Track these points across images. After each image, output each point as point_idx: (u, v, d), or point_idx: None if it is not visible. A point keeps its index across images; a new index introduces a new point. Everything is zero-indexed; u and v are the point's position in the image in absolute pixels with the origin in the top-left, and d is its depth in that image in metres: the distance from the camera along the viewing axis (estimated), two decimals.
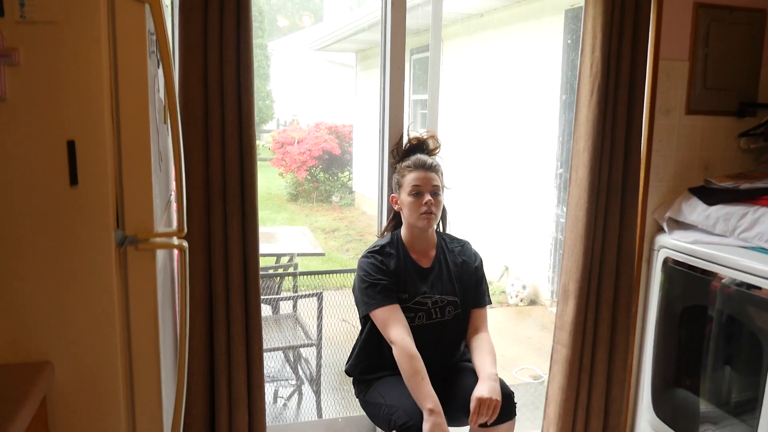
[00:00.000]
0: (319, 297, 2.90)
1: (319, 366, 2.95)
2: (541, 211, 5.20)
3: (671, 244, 2.28)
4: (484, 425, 1.79)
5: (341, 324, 3.44)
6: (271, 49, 14.92)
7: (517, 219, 5.63)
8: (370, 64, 9.16)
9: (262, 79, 14.35)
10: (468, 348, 2.01)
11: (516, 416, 1.87)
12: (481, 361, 1.89)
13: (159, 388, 1.21)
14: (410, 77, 7.48)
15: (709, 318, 2.15)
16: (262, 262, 4.04)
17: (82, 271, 1.12)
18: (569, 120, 4.56)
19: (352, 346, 2.06)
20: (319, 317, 2.90)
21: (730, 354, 2.15)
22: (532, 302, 5.28)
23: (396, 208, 2.03)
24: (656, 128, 2.33)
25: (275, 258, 4.03)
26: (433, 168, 1.96)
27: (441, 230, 2.13)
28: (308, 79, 13.87)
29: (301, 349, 3.19)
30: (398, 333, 1.82)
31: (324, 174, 10.01)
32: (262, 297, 2.49)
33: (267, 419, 2.10)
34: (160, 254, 1.26)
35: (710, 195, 2.25)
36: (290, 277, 3.62)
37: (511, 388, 1.87)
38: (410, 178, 1.95)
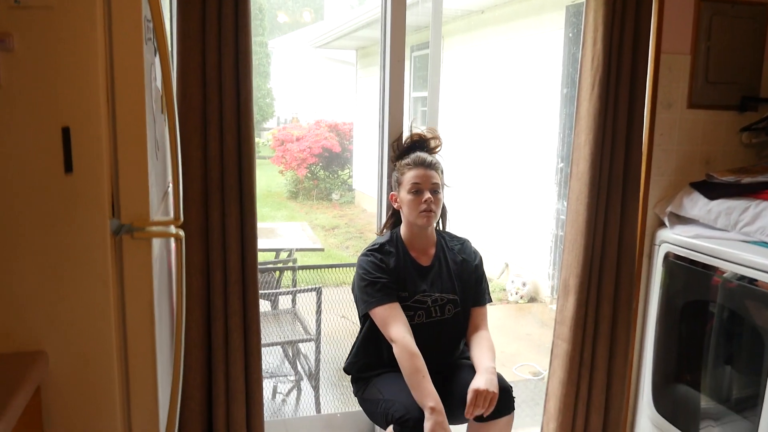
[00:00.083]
0: (318, 292, 2.90)
1: (317, 361, 2.94)
2: (542, 208, 5.19)
3: (672, 239, 2.26)
4: (481, 419, 1.78)
5: (340, 321, 3.43)
6: (271, 47, 14.90)
7: (517, 216, 5.62)
8: (371, 61, 9.14)
9: (263, 77, 14.33)
10: (467, 345, 2.00)
11: (514, 411, 1.85)
12: (479, 355, 1.88)
13: (155, 378, 1.19)
14: (410, 74, 7.47)
15: (711, 313, 2.14)
16: (262, 257, 4.05)
17: (77, 259, 1.11)
18: (570, 114, 4.54)
19: (352, 344, 2.04)
20: (318, 312, 2.89)
21: (732, 349, 2.14)
22: (532, 299, 5.27)
23: (395, 206, 2.02)
24: (658, 122, 2.31)
25: (275, 253, 4.02)
26: (432, 166, 1.95)
27: (441, 228, 2.12)
28: (309, 77, 13.85)
29: (300, 345, 3.19)
30: (398, 331, 1.81)
31: (324, 172, 9.99)
32: (260, 291, 2.47)
33: (265, 414, 2.09)
34: (156, 244, 1.25)
35: (712, 189, 2.23)
36: (289, 274, 3.61)
37: (511, 384, 1.86)
38: (410, 176, 1.94)
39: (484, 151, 6.28)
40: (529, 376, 3.65)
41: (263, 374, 2.07)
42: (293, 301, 3.33)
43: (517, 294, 5.23)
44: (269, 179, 10.62)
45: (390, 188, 2.10)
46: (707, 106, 2.37)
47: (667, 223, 2.31)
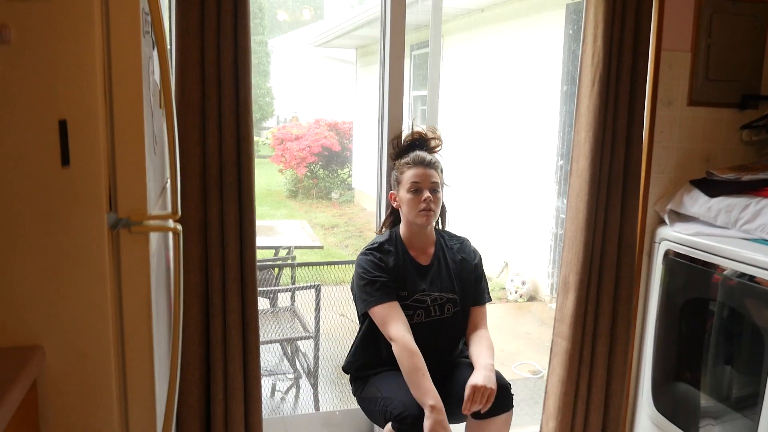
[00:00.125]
0: (317, 289, 2.89)
1: (316, 358, 2.94)
2: (541, 206, 5.18)
3: (672, 237, 2.26)
4: (479, 416, 1.78)
5: (339, 319, 3.42)
6: (271, 47, 14.89)
7: (516, 215, 5.62)
8: (371, 60, 9.13)
9: (263, 76, 14.32)
10: (467, 345, 1.99)
11: (513, 408, 1.85)
12: (478, 353, 1.88)
13: (152, 374, 1.18)
14: (410, 73, 7.46)
15: (711, 311, 2.13)
16: (261, 255, 4.04)
17: (74, 253, 1.10)
18: (570, 111, 4.54)
19: (351, 343, 2.04)
20: (317, 309, 2.89)
21: (732, 347, 2.13)
22: (532, 298, 5.26)
23: (395, 205, 2.01)
24: (658, 119, 2.31)
25: (274, 251, 4.01)
26: (432, 165, 1.95)
27: (440, 228, 2.12)
28: (308, 76, 13.84)
29: (299, 343, 3.18)
30: (398, 330, 1.80)
31: (323, 170, 9.99)
32: (259, 289, 2.47)
33: (264, 412, 2.09)
34: (154, 238, 1.24)
35: (712, 187, 2.23)
36: (288, 272, 3.60)
37: (510, 383, 1.86)
38: (409, 175, 1.93)
39: (484, 150, 6.28)
40: (529, 374, 3.65)
41: (262, 372, 2.06)
42: (292, 298, 3.32)
43: (516, 293, 5.23)
44: (269, 178, 10.61)
45: (389, 187, 2.09)
46: (708, 103, 2.36)
47: (667, 221, 2.30)
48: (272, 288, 3.28)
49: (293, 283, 3.49)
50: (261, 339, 2.03)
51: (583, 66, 2.17)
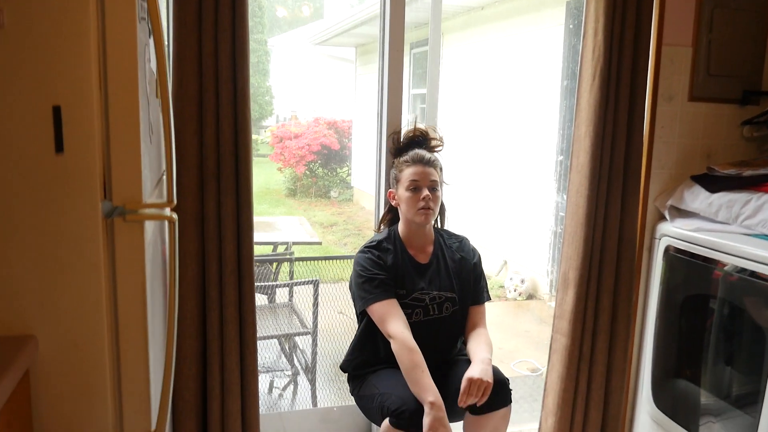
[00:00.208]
0: (315, 284, 2.88)
1: (314, 354, 2.92)
2: (540, 205, 5.17)
3: (673, 232, 2.24)
4: (477, 411, 1.76)
5: (338, 316, 3.41)
6: (271, 45, 14.87)
7: (516, 213, 5.61)
8: (370, 58, 9.12)
9: (262, 74, 14.30)
10: (465, 343, 1.98)
11: (511, 403, 1.83)
12: (475, 348, 1.87)
13: (146, 365, 1.17)
14: (410, 71, 7.45)
15: (711, 307, 2.12)
16: (259, 251, 4.03)
17: (68, 242, 1.08)
18: (570, 106, 4.53)
19: (350, 342, 2.03)
20: (315, 304, 2.88)
21: (733, 344, 2.12)
22: (531, 296, 5.25)
23: (393, 203, 2.00)
24: (658, 114, 2.29)
25: (272, 247, 4.00)
26: (431, 163, 1.93)
27: (439, 226, 2.10)
28: (308, 75, 13.82)
29: (297, 340, 3.17)
30: (397, 327, 1.79)
31: (323, 169, 9.97)
32: (257, 284, 2.45)
33: (262, 408, 2.07)
34: (150, 228, 1.22)
35: (713, 182, 2.21)
36: (286, 270, 3.59)
37: (510, 382, 1.85)
38: (408, 173, 1.92)
39: (483, 149, 6.27)
40: (528, 372, 3.63)
41: (260, 369, 2.04)
42: (290, 294, 3.31)
43: (515, 291, 5.22)
44: (268, 176, 10.60)
45: (388, 185, 2.07)
46: (708, 99, 2.35)
47: (667, 217, 2.29)
48: (270, 283, 3.26)
49: (291, 277, 3.48)
50: (259, 335, 2.02)
51: (584, 60, 2.16)
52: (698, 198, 2.21)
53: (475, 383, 1.71)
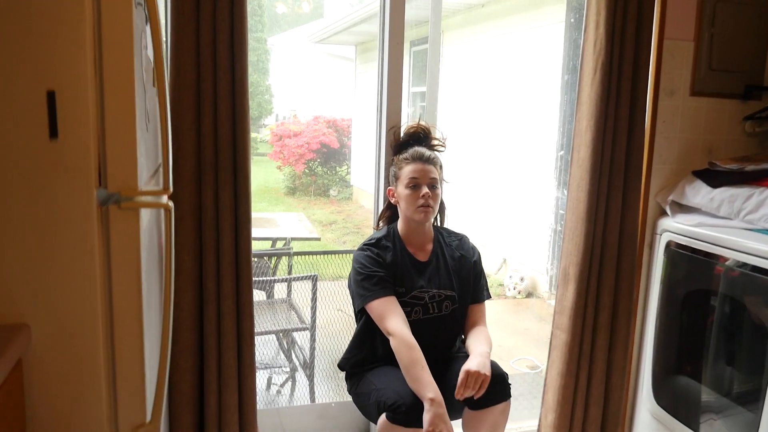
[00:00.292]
0: (314, 279, 2.86)
1: (312, 350, 2.91)
2: (540, 203, 5.16)
3: (674, 228, 2.23)
4: (476, 406, 1.75)
5: (336, 313, 3.40)
6: (270, 44, 14.85)
7: (515, 211, 5.59)
8: (370, 57, 9.11)
9: (262, 73, 14.28)
10: (464, 341, 1.97)
11: (510, 398, 1.82)
12: (474, 343, 1.86)
13: (141, 354, 1.15)
14: (409, 70, 7.43)
15: (712, 303, 2.10)
16: (258, 246, 4.01)
17: (62, 229, 1.06)
18: (571, 101, 4.51)
19: (349, 339, 2.01)
20: (314, 299, 2.86)
21: (734, 340, 2.10)
22: (530, 294, 5.24)
23: (393, 201, 1.98)
24: (660, 109, 2.28)
25: (271, 243, 3.98)
26: (431, 160, 1.92)
27: (438, 224, 2.09)
28: (308, 74, 13.80)
29: (296, 336, 3.15)
30: (396, 324, 1.78)
31: (322, 168, 9.96)
32: (255, 280, 2.43)
33: (259, 404, 2.05)
34: (145, 216, 1.20)
35: (714, 177, 2.20)
36: (285, 266, 3.57)
37: (509, 380, 1.83)
38: (408, 171, 1.90)
39: (483, 147, 6.25)
40: (527, 369, 3.62)
41: (258, 366, 2.03)
42: (288, 290, 3.29)
43: (515, 289, 5.21)
44: (267, 175, 10.58)
45: (387, 183, 2.06)
46: (710, 94, 2.34)
47: (668, 212, 2.28)
48: (269, 278, 3.24)
49: (289, 272, 3.46)
50: (257, 330, 2.00)
51: (585, 54, 2.14)
52: (700, 193, 2.19)
53: (473, 376, 1.69)
